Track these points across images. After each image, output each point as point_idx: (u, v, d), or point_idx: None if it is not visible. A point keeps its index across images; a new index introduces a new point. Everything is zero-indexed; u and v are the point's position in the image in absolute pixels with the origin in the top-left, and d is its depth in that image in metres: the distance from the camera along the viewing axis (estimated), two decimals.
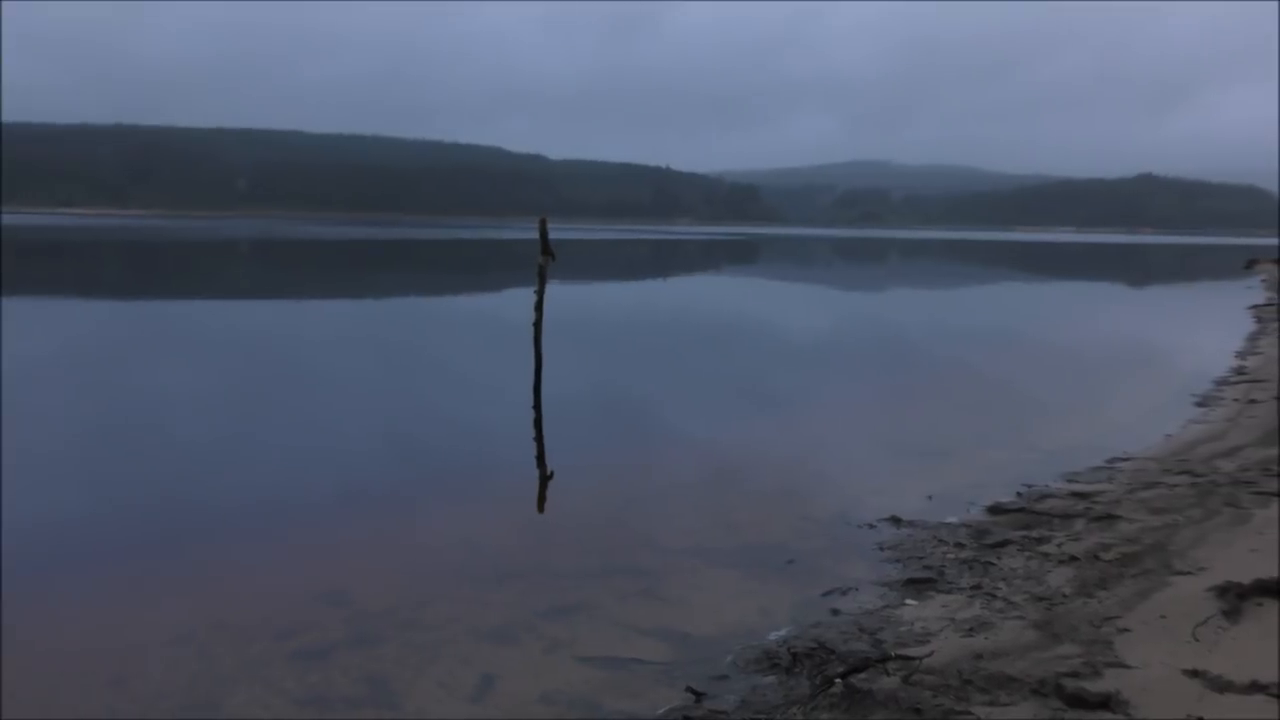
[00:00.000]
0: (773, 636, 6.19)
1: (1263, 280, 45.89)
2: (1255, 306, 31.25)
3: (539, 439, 11.69)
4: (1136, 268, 75.73)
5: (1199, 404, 14.24)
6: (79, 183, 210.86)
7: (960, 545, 7.92)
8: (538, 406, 12.63)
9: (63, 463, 10.29)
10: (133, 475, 10.25)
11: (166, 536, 8.32)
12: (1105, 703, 4.67)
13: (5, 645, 5.93)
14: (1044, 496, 9.34)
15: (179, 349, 19.76)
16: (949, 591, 6.88)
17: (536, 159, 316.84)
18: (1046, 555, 7.46)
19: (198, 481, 10.08)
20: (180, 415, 13.22)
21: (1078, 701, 4.72)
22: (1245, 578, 6.04)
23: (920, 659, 5.37)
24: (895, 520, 8.64)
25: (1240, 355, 19.44)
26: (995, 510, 8.92)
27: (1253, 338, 22.57)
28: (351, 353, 19.76)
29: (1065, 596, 6.44)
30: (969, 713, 4.73)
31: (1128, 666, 5.12)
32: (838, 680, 5.17)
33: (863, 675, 5.22)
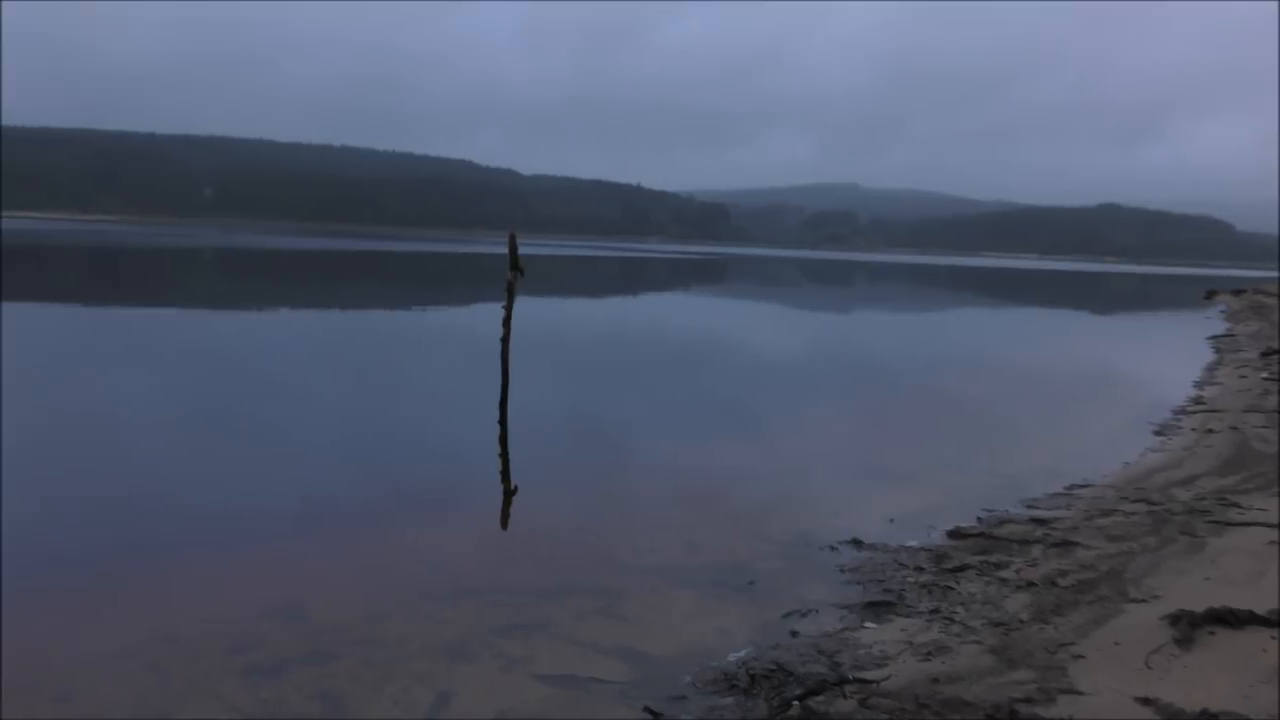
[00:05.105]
0: (732, 657, 6.19)
1: (1222, 311, 46.61)
2: (1214, 337, 31.71)
3: (504, 455, 11.64)
4: (1099, 296, 76.73)
5: (1157, 433, 14.41)
6: (39, 187, 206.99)
7: (920, 569, 7.96)
8: (504, 422, 12.56)
9: (11, 471, 10.07)
10: (85, 486, 10.08)
11: (119, 548, 8.19)
12: None
13: None
14: (1004, 522, 9.41)
15: (139, 358, 19.51)
16: (908, 615, 6.91)
17: (508, 173, 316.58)
18: (1004, 581, 7.51)
19: (153, 493, 9.94)
20: (138, 425, 13.04)
21: None
22: (1199, 606, 6.12)
23: (877, 682, 5.39)
24: (857, 543, 8.68)
25: (1199, 385, 19.68)
26: (955, 535, 8.98)
27: (1211, 368, 22.86)
28: (314, 366, 19.58)
29: (1022, 622, 6.49)
30: None
31: (1081, 693, 5.16)
32: (795, 702, 5.17)
33: (820, 698, 5.22)
